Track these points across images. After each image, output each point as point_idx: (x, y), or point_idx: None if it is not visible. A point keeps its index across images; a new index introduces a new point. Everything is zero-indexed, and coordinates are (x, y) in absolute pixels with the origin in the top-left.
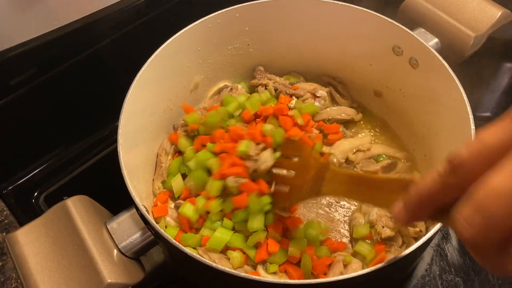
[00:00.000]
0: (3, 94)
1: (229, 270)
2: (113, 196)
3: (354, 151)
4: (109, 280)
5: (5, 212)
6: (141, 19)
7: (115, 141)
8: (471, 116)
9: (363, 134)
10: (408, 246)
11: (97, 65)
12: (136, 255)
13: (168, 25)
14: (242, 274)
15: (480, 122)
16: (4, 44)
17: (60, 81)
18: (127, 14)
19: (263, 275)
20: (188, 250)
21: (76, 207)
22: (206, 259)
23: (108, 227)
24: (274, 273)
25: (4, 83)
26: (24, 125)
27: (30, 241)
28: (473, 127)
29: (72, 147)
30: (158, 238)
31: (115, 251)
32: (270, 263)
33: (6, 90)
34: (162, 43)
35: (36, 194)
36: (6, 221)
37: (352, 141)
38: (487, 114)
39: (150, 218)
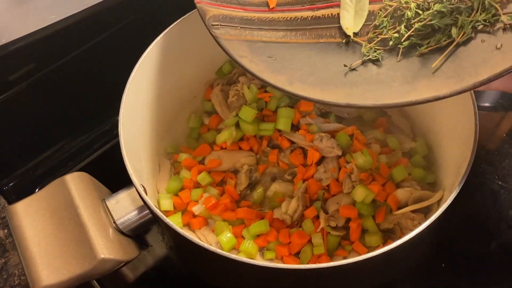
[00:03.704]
0: (2, 90)
1: (225, 253)
2: (114, 190)
3: None
4: (102, 256)
5: (7, 207)
6: (141, 11)
7: (116, 135)
8: (475, 111)
9: None
10: None
11: (97, 59)
12: (133, 232)
13: (169, 18)
14: (238, 257)
15: (483, 113)
16: (2, 39)
17: (59, 76)
18: (126, 6)
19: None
20: (180, 229)
21: (75, 182)
22: (199, 240)
23: (107, 203)
24: (271, 259)
25: (2, 78)
26: (23, 120)
27: (29, 214)
28: (477, 122)
29: (73, 142)
30: (154, 217)
31: (111, 227)
32: (267, 249)
33: (5, 85)
34: None
35: (37, 190)
36: (7, 218)
37: None
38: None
39: (145, 197)
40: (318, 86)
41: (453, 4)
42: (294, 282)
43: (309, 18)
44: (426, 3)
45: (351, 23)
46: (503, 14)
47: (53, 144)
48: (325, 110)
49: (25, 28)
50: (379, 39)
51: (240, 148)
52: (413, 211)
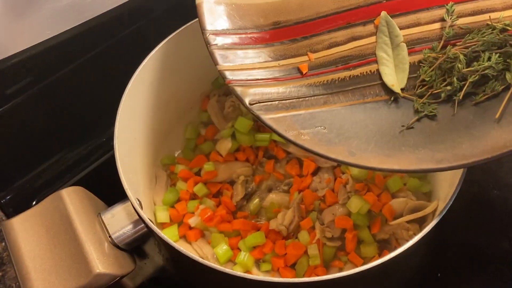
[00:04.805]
0: None
1: (219, 267)
2: (111, 203)
3: None
4: (97, 270)
5: (3, 222)
6: (137, 25)
7: (113, 147)
8: None
9: None
10: None
11: (93, 72)
12: (128, 246)
13: (164, 31)
14: (233, 271)
15: None
16: None
17: (56, 89)
18: (121, 20)
19: (255, 273)
20: (175, 244)
21: (71, 197)
22: (193, 254)
23: (102, 217)
24: (267, 271)
25: (0, 92)
26: (21, 134)
27: (25, 229)
28: None
29: (70, 155)
30: (149, 231)
31: (107, 241)
32: (263, 261)
33: (2, 99)
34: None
35: (34, 203)
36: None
37: None
38: None
39: (141, 211)
40: (382, 154)
41: (500, 48)
42: None
43: (347, 78)
44: (472, 50)
45: (394, 79)
46: None
47: (50, 157)
48: None
49: (21, 43)
50: (429, 93)
51: (236, 159)
52: (408, 221)
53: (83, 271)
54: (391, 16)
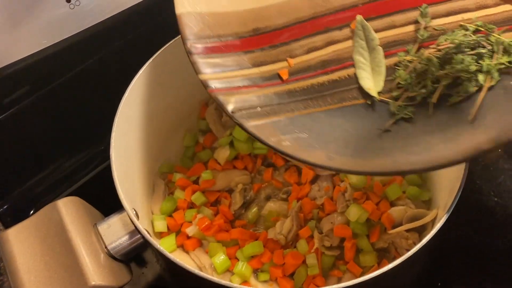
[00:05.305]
0: None
1: (216, 279)
2: (109, 212)
3: None
4: (93, 282)
5: (1, 231)
6: (134, 33)
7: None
8: None
9: None
10: None
11: (90, 80)
12: (125, 257)
13: (162, 39)
14: (230, 284)
15: None
16: None
17: (53, 98)
18: (118, 29)
19: (253, 283)
20: (170, 255)
21: (67, 208)
22: (189, 265)
23: (98, 227)
24: (265, 281)
25: None
26: (18, 143)
27: (20, 241)
28: None
29: (67, 164)
30: (146, 242)
31: (103, 252)
32: (261, 271)
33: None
34: None
35: (32, 212)
36: None
37: None
38: None
39: (137, 222)
40: (359, 157)
41: (473, 49)
42: None
43: (326, 83)
44: (446, 54)
45: (371, 82)
46: None
47: (48, 166)
48: None
49: (19, 53)
50: (405, 96)
51: (234, 167)
52: (407, 230)
53: (79, 283)
54: (367, 20)
